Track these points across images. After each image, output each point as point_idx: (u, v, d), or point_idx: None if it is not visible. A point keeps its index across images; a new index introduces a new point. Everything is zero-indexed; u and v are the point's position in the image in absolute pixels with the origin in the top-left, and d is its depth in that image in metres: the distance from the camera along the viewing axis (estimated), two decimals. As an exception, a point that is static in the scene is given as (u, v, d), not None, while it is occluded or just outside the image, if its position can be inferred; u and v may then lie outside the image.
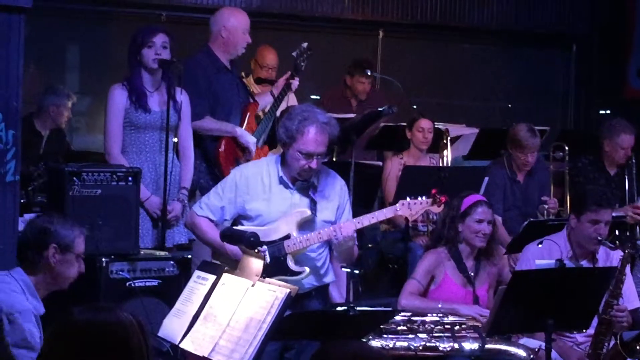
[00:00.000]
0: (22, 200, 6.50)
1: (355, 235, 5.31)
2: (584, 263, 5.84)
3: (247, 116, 6.86)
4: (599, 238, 5.72)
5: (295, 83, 7.06)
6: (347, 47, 9.67)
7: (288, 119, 5.31)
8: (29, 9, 5.84)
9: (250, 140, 6.73)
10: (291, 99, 7.60)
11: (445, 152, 8.18)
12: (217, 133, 6.70)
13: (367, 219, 5.32)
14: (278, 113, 7.00)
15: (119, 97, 6.15)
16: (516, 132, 7.58)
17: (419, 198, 5.38)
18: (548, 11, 10.79)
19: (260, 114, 7.05)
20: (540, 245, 5.87)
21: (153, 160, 6.18)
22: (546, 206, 7.51)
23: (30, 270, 4.40)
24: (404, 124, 8.15)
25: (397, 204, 5.39)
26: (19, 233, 4.60)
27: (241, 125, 6.80)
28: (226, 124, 6.73)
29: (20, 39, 5.88)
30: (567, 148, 8.05)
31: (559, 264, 5.27)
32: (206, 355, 4.21)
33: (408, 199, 5.38)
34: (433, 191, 5.39)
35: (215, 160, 6.68)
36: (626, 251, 5.61)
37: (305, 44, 7.13)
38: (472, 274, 5.84)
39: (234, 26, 6.85)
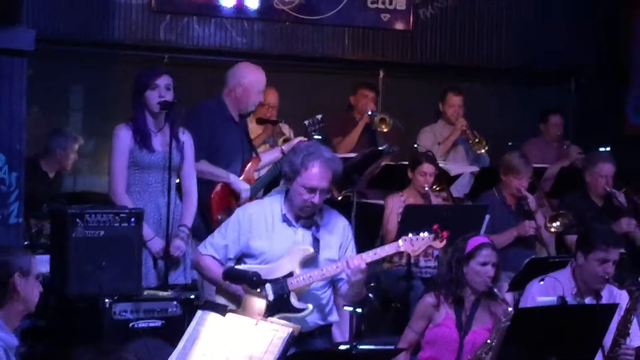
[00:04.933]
0: (25, 243, 6.53)
1: (365, 269, 5.30)
2: (589, 300, 5.81)
3: (248, 167, 6.83)
4: (606, 277, 5.71)
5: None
6: (348, 87, 9.70)
7: (293, 154, 5.39)
8: (30, 52, 5.91)
9: (242, 187, 6.70)
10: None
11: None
12: (210, 177, 6.67)
13: (369, 256, 5.33)
14: None
15: (124, 136, 6.19)
16: (510, 158, 7.92)
17: (421, 234, 5.39)
18: (546, 48, 10.84)
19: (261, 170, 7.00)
20: (542, 283, 5.85)
21: (156, 201, 6.20)
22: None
23: None
24: (406, 162, 8.16)
25: (400, 240, 5.40)
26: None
27: (239, 176, 6.77)
28: (220, 170, 6.69)
29: (22, 82, 5.92)
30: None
31: (560, 300, 5.27)
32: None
33: (410, 235, 5.39)
34: (435, 226, 5.39)
35: (206, 204, 6.63)
36: (635, 291, 5.59)
37: (319, 116, 7.06)
38: (465, 320, 5.64)
39: (251, 84, 6.86)
